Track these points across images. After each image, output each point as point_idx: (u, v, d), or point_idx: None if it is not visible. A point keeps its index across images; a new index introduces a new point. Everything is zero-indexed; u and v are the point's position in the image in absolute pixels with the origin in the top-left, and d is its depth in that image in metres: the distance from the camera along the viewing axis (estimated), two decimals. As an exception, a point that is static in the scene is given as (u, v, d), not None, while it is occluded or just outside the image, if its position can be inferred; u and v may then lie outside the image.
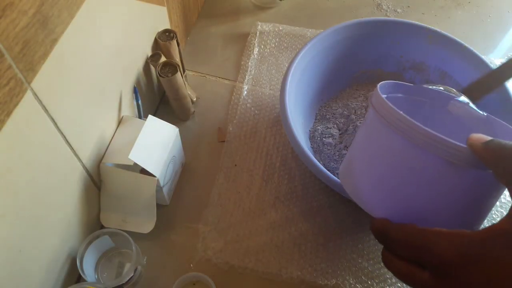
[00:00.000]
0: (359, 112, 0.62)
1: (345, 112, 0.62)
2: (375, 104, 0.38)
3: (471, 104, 0.45)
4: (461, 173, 0.34)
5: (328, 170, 0.52)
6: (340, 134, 0.60)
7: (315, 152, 0.60)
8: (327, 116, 0.63)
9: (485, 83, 0.52)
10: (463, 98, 0.47)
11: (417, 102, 0.46)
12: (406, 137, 0.35)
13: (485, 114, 0.43)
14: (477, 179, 0.34)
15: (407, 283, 0.35)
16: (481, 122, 0.43)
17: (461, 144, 0.33)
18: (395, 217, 0.36)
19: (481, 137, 0.33)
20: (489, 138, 0.32)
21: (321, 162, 0.58)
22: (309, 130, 0.62)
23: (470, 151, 0.32)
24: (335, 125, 0.61)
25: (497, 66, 0.52)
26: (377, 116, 0.37)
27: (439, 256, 0.32)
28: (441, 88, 0.48)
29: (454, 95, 0.46)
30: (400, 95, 0.45)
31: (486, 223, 0.40)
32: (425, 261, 0.34)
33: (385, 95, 0.39)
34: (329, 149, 0.59)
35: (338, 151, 0.58)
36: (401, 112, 0.35)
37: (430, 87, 0.47)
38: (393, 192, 0.37)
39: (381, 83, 0.41)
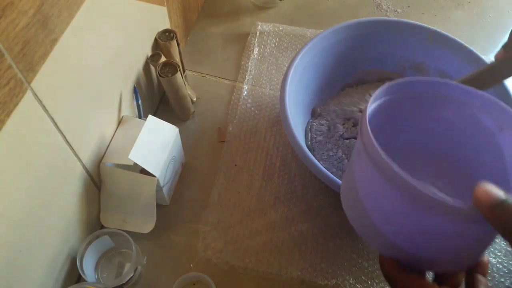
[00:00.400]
0: (358, 112, 0.62)
1: (343, 112, 0.62)
2: (367, 145, 0.35)
3: (461, 85, 0.43)
4: (465, 226, 0.32)
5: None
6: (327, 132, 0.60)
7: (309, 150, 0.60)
8: (324, 115, 0.63)
9: (480, 79, 0.50)
10: (454, 82, 0.44)
11: (413, 97, 0.43)
12: (402, 195, 0.32)
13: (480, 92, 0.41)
14: (481, 229, 0.33)
15: None
16: (477, 97, 0.41)
17: (465, 206, 0.29)
18: (402, 257, 0.36)
19: (489, 195, 0.28)
20: (496, 196, 0.28)
21: (321, 162, 0.59)
22: (305, 129, 0.62)
23: (475, 209, 0.29)
24: (327, 122, 0.62)
25: (493, 62, 0.49)
26: (371, 163, 0.35)
27: None
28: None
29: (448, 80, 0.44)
30: (388, 97, 0.42)
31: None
32: None
33: (375, 127, 0.36)
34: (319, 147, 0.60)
35: (326, 151, 0.59)
36: (396, 167, 0.32)
37: (420, 78, 0.44)
38: (396, 237, 0.36)
39: (368, 109, 0.37)
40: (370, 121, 0.37)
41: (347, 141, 0.59)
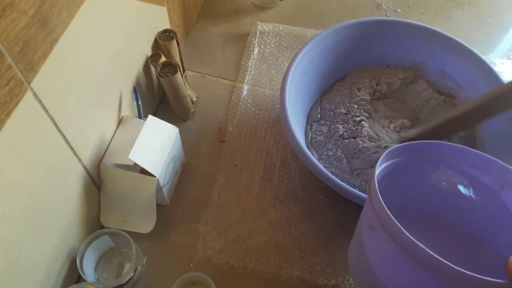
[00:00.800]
0: (357, 112, 0.62)
1: (343, 111, 0.62)
2: (383, 221, 0.34)
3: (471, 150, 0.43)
4: None
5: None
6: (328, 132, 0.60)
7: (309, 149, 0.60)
8: (323, 114, 0.63)
9: (484, 109, 0.49)
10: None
11: (413, 161, 0.44)
12: (430, 273, 0.31)
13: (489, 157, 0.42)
14: None
15: None
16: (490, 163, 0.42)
17: (501, 282, 0.29)
18: None
19: None
20: None
21: (321, 162, 0.59)
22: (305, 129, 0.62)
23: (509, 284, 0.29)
24: (327, 122, 0.62)
25: (496, 91, 0.48)
26: (389, 239, 0.34)
27: None
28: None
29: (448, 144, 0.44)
30: (397, 159, 0.42)
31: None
32: None
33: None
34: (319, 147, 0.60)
35: (325, 151, 0.59)
36: (421, 245, 0.31)
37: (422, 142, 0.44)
38: None
39: (376, 173, 0.37)
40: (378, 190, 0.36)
41: (346, 141, 0.59)
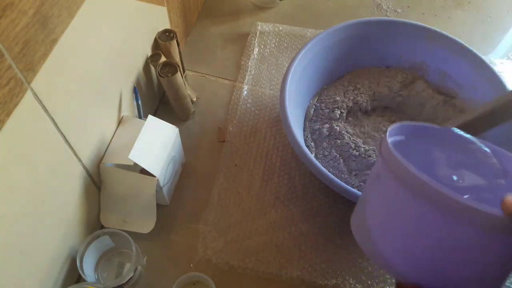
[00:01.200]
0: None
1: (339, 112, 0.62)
2: (391, 164, 0.35)
3: (473, 139, 0.43)
4: (494, 239, 0.32)
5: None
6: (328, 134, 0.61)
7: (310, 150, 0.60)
8: (318, 114, 0.63)
9: (487, 118, 0.49)
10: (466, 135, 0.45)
11: (421, 141, 0.44)
12: (435, 207, 0.32)
13: (488, 150, 0.41)
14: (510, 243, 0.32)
15: None
16: (488, 156, 0.41)
17: (496, 213, 0.30)
18: (425, 281, 0.34)
19: None
20: None
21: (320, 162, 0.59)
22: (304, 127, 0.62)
23: (507, 218, 0.29)
24: (322, 122, 0.62)
25: (500, 100, 0.48)
26: (396, 180, 0.34)
27: None
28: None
29: (456, 130, 0.44)
30: (401, 137, 0.42)
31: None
32: None
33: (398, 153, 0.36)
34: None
35: (321, 150, 0.59)
36: (427, 177, 0.31)
37: (434, 126, 0.44)
38: (421, 259, 0.35)
39: (389, 131, 0.38)
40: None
41: (339, 141, 0.59)
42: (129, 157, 0.46)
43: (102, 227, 0.53)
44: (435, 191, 0.31)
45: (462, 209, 0.30)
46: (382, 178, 0.37)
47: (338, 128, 0.60)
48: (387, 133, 0.38)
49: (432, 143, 0.44)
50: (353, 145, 0.58)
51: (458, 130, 0.43)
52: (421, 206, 0.33)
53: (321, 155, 0.59)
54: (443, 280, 0.34)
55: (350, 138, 0.59)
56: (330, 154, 0.58)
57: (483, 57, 0.59)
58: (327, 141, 0.60)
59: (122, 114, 0.54)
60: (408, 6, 0.83)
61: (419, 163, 0.44)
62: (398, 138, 0.42)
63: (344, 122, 0.61)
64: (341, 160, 0.58)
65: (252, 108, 0.66)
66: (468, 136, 0.42)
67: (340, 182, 0.48)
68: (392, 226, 0.36)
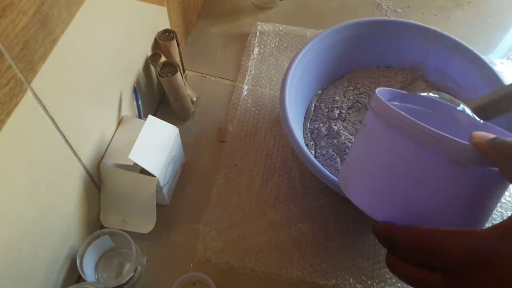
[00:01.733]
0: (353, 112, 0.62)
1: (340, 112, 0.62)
2: (375, 107, 0.38)
3: (467, 111, 0.44)
4: (466, 171, 0.34)
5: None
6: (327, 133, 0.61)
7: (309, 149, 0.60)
8: (317, 113, 0.63)
9: (501, 104, 0.49)
10: (461, 107, 0.46)
11: (412, 110, 0.45)
12: (408, 136, 0.35)
13: (482, 121, 0.43)
14: (482, 177, 0.34)
15: (416, 287, 0.35)
16: (479, 129, 0.43)
17: (465, 142, 0.33)
18: (399, 219, 0.36)
19: (484, 135, 0.32)
20: (492, 135, 0.32)
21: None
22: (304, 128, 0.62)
23: (474, 148, 0.32)
24: (320, 121, 0.62)
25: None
26: (378, 118, 0.37)
27: (449, 256, 0.31)
28: (436, 95, 0.47)
29: (450, 103, 0.45)
30: (396, 103, 0.44)
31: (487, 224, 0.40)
32: (435, 263, 0.33)
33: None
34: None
35: (319, 149, 0.60)
36: (402, 112, 0.35)
37: (424, 94, 0.46)
38: (396, 194, 0.37)
39: (378, 89, 0.41)
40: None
41: (336, 140, 0.59)
42: (129, 157, 0.46)
43: (102, 227, 0.53)
44: (409, 121, 0.34)
45: (432, 137, 0.33)
46: (367, 123, 0.40)
47: (336, 127, 0.60)
48: (377, 90, 0.41)
49: (419, 112, 0.45)
50: (349, 144, 0.58)
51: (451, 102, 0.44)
52: (395, 137, 0.36)
53: (319, 154, 0.59)
54: (414, 215, 0.36)
55: (347, 137, 0.59)
56: (327, 153, 0.58)
57: (483, 57, 0.59)
58: (325, 140, 0.60)
59: (122, 114, 0.54)
60: (408, 6, 0.83)
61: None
62: (392, 102, 0.43)
63: (343, 122, 0.61)
64: (338, 159, 0.57)
65: (252, 108, 0.66)
66: (459, 105, 0.44)
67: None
68: (368, 161, 0.39)
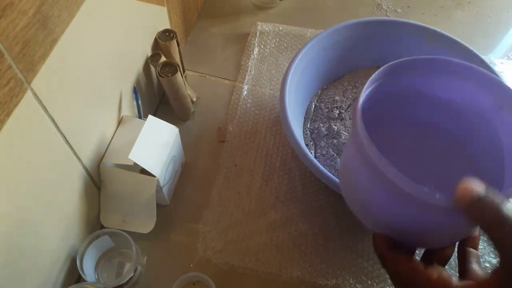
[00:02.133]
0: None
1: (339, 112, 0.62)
2: (360, 149, 0.35)
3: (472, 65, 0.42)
4: (449, 218, 0.33)
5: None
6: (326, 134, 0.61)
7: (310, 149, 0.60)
8: (317, 113, 0.63)
9: None
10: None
11: (412, 78, 0.44)
12: (381, 185, 0.34)
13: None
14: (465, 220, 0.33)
15: None
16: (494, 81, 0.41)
17: (446, 203, 0.31)
18: (386, 232, 0.37)
19: (469, 192, 0.29)
20: (476, 193, 0.29)
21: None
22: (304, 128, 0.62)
23: (456, 206, 0.30)
24: (320, 121, 0.62)
25: None
26: (358, 153, 0.36)
27: None
28: None
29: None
30: (387, 78, 0.42)
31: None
32: None
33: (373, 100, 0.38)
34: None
35: (319, 149, 0.60)
36: (392, 168, 0.32)
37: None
38: (384, 218, 0.37)
39: (359, 105, 0.37)
40: (366, 108, 0.38)
41: (335, 140, 0.59)
42: (129, 157, 0.46)
43: (102, 227, 0.53)
44: (386, 178, 0.32)
45: (407, 196, 0.32)
46: (353, 143, 0.38)
47: (336, 127, 0.60)
48: (364, 90, 0.39)
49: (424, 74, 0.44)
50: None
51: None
52: (371, 176, 0.35)
53: (319, 154, 0.59)
54: (397, 231, 0.36)
55: (347, 137, 0.59)
56: (327, 153, 0.58)
57: (483, 57, 0.59)
58: (325, 140, 0.60)
59: (122, 114, 0.54)
60: (408, 6, 0.83)
61: (401, 103, 0.45)
62: (385, 79, 0.42)
63: (342, 122, 0.61)
64: (338, 159, 0.57)
65: (252, 108, 0.66)
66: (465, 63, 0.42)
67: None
68: (352, 177, 0.39)
